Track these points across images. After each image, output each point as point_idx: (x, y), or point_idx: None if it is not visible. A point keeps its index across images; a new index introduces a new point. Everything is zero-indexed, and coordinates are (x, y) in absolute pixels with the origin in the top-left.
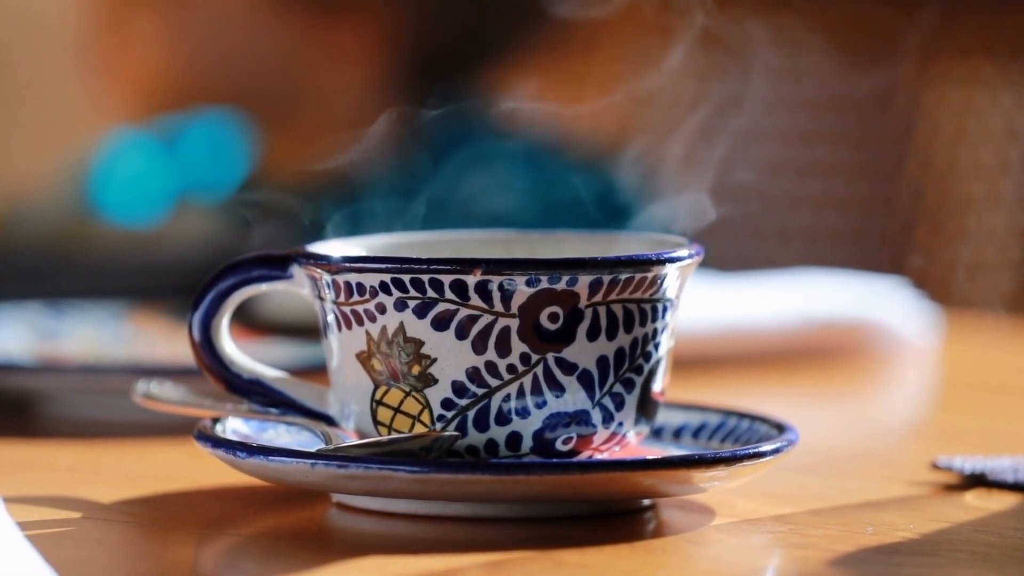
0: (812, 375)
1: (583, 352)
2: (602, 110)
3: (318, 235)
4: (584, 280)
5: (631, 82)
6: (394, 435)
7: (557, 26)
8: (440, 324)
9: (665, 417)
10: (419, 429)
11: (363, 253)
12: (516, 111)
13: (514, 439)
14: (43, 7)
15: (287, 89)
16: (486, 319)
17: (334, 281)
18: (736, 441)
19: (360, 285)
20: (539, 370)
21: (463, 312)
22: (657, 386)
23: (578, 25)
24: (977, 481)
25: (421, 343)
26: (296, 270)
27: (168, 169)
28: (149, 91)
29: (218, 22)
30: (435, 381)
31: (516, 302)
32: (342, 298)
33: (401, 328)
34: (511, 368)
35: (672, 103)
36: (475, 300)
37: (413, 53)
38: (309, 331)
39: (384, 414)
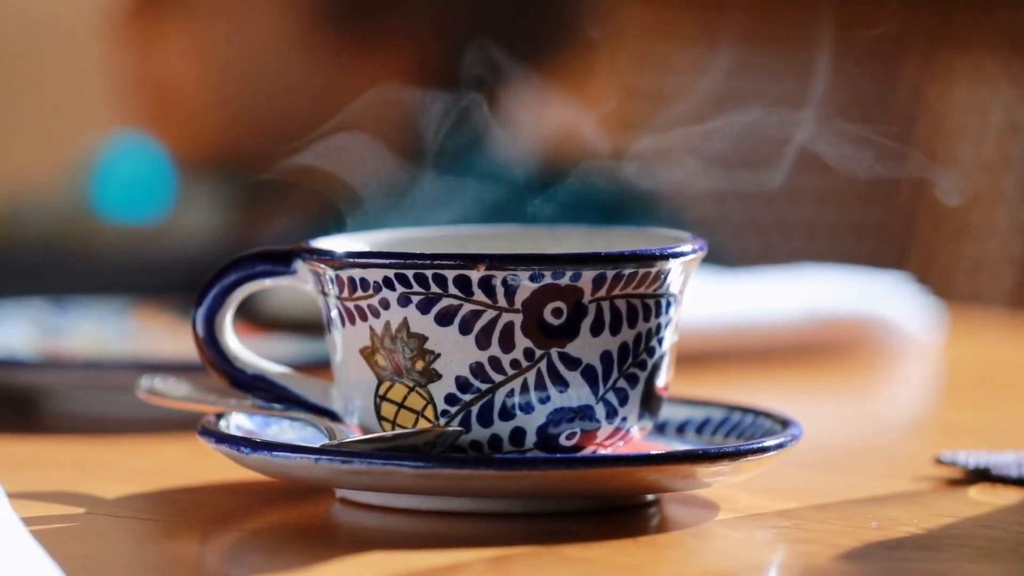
0: (816, 370)
1: (587, 347)
2: (608, 109)
3: (323, 231)
4: (588, 275)
5: (635, 80)
6: (398, 430)
7: (578, 38)
8: (444, 319)
9: (669, 412)
10: (423, 424)
11: (367, 248)
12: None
13: (518, 434)
14: (53, 7)
15: (318, 116)
16: (490, 314)
17: (338, 276)
18: (740, 436)
19: (364, 280)
20: (543, 365)
21: (467, 307)
22: (661, 381)
23: (591, 34)
24: (981, 476)
25: (425, 338)
26: (300, 265)
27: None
28: (180, 120)
29: (249, 50)
30: (439, 376)
31: (520, 297)
32: (346, 293)
33: (405, 323)
34: (515, 363)
35: (675, 100)
36: (479, 295)
37: (442, 76)
38: (313, 327)
39: (388, 409)
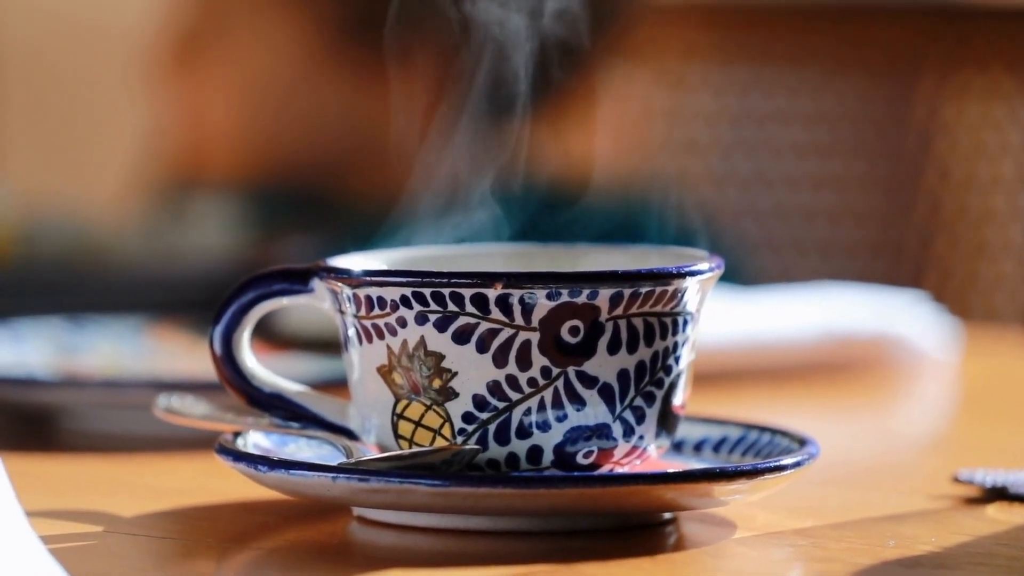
0: (832, 389)
1: (604, 366)
2: (623, 129)
3: (340, 249)
4: (605, 293)
5: (650, 99)
6: (415, 449)
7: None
8: (461, 337)
9: (686, 431)
10: (440, 443)
11: (384, 267)
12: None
13: (535, 453)
14: (88, 28)
15: (352, 141)
16: (507, 333)
17: (355, 295)
18: (757, 454)
19: (381, 299)
20: (560, 384)
21: (484, 326)
22: (678, 399)
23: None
24: (998, 494)
25: (442, 356)
26: (317, 284)
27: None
28: (216, 152)
29: (279, 75)
30: (456, 395)
31: (537, 315)
32: (363, 312)
33: (422, 342)
34: (532, 382)
35: (691, 118)
36: (496, 314)
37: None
38: (330, 345)
39: (405, 428)
